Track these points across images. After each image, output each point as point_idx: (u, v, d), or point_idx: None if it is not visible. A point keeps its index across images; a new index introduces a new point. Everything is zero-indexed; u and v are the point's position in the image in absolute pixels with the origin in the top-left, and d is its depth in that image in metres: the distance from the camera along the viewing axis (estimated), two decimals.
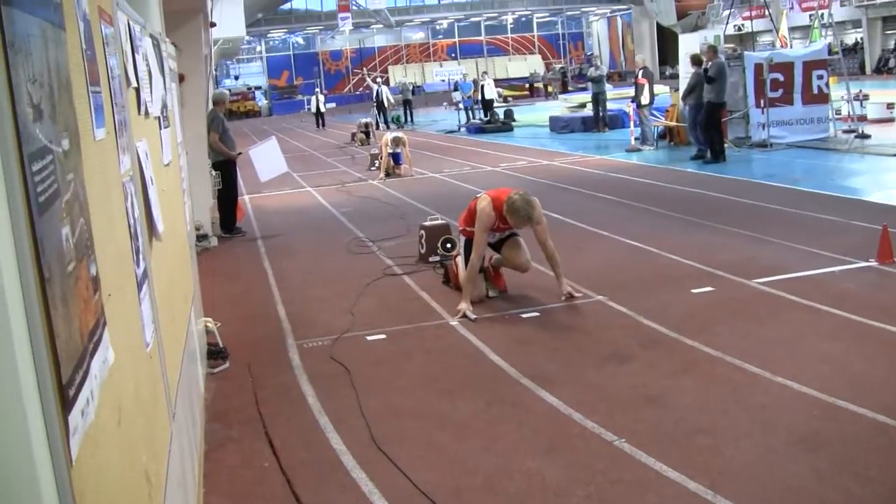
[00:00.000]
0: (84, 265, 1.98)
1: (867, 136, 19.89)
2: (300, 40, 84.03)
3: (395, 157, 20.02)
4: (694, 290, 8.46)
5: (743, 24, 43.90)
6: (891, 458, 4.80)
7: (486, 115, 35.29)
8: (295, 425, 5.83)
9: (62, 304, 1.71)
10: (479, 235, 8.38)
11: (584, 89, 39.55)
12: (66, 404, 1.65)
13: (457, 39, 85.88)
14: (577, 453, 5.12)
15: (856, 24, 60.59)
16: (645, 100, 22.08)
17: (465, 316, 8.01)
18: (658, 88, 24.91)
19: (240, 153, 13.76)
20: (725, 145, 18.82)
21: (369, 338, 7.68)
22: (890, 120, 23.25)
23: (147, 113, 4.04)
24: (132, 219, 3.01)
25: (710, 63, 18.45)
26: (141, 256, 3.13)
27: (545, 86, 63.01)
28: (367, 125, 31.17)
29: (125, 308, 2.65)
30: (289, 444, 5.51)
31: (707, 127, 18.40)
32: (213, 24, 17.94)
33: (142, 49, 4.07)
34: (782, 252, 9.78)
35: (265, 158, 14.29)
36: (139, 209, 3.25)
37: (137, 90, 3.73)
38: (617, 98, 31.97)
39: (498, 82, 52.00)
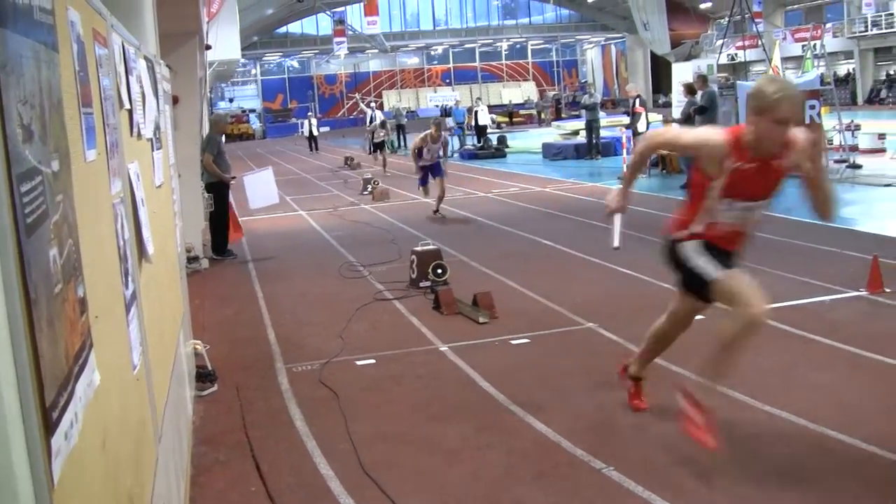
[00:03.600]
0: (71, 287, 1.97)
1: (859, 166, 19.96)
2: (295, 64, 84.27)
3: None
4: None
5: (736, 54, 44.17)
6: (882, 489, 4.80)
7: (479, 141, 35.35)
8: (283, 450, 5.81)
9: (48, 325, 1.70)
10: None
11: (578, 116, 39.65)
12: (50, 427, 1.64)
13: (451, 65, 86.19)
14: (566, 481, 5.10)
15: (848, 55, 61.03)
16: (641, 127, 22.17)
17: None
18: (651, 117, 24.98)
19: (233, 177, 13.75)
20: None
21: (359, 363, 7.66)
22: (881, 150, 23.34)
23: (140, 135, 4.04)
24: (122, 240, 3.01)
25: (700, 92, 18.54)
26: (130, 278, 3.12)
27: (538, 112, 63.23)
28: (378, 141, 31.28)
29: (113, 330, 2.64)
30: (276, 469, 5.48)
31: None
32: (208, 47, 17.97)
33: (136, 71, 4.07)
34: (774, 281, 9.77)
35: (259, 186, 14.34)
36: (129, 231, 3.24)
37: (130, 112, 3.73)
38: (610, 126, 32.05)
39: (492, 108, 52.22)
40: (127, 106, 3.62)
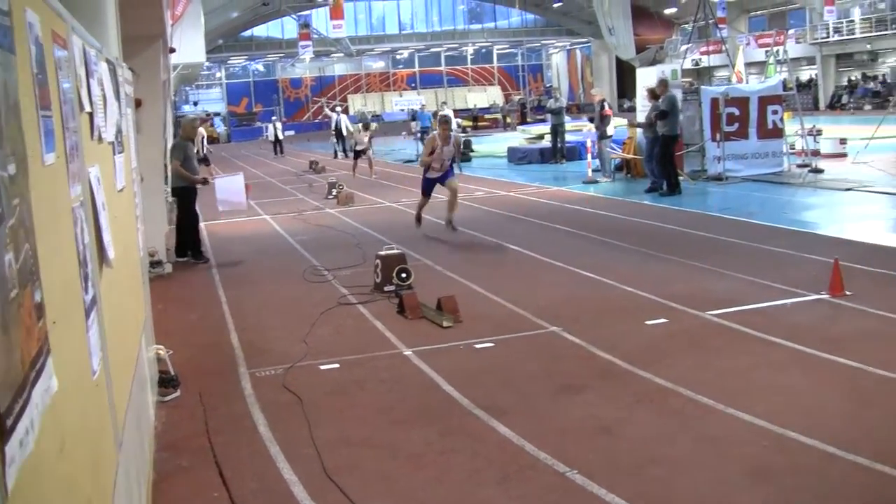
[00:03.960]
0: (28, 292, 1.95)
1: (820, 171, 20.20)
2: (260, 67, 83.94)
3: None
4: (648, 322, 8.51)
5: (700, 59, 44.42)
6: (841, 489, 4.85)
7: None
8: (246, 455, 5.78)
9: (2, 331, 1.68)
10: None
11: (543, 121, 39.78)
12: (4, 434, 1.62)
13: (417, 69, 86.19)
14: (530, 484, 5.11)
15: (810, 60, 61.74)
16: (610, 131, 22.31)
17: None
18: (616, 121, 25.11)
19: (205, 179, 13.64)
20: (681, 178, 19.00)
21: (323, 367, 7.64)
22: (842, 155, 23.61)
23: (101, 138, 4.00)
24: (82, 245, 2.98)
25: (662, 97, 18.66)
26: (90, 283, 3.09)
27: (504, 116, 63.37)
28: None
29: (71, 335, 2.62)
30: (239, 475, 5.45)
31: (662, 159, 18.56)
32: (172, 50, 17.83)
33: (97, 74, 4.04)
34: (736, 284, 9.87)
35: (228, 189, 14.27)
36: (89, 235, 3.22)
37: (91, 115, 3.70)
38: (575, 130, 32.15)
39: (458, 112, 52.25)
40: (87, 109, 3.60)
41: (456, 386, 6.90)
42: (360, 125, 28.91)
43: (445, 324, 8.73)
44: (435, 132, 15.53)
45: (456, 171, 16.08)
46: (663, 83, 19.46)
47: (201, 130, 38.38)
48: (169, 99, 22.15)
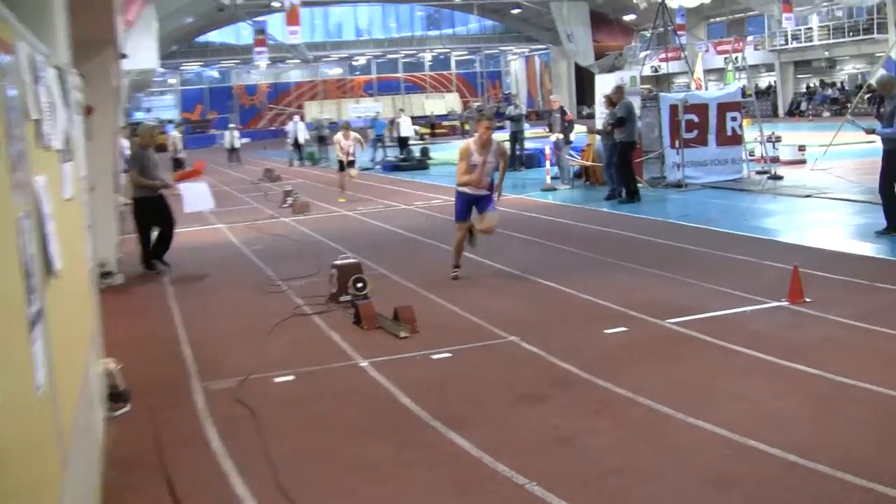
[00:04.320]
0: None
1: (780, 178, 20.38)
2: (215, 74, 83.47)
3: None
4: (607, 331, 8.49)
5: (659, 66, 44.79)
6: (801, 496, 4.83)
7: (401, 153, 35.29)
8: (198, 471, 5.65)
9: None
10: None
11: (502, 128, 39.88)
12: None
13: (374, 76, 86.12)
14: (488, 496, 5.05)
15: (769, 67, 62.54)
16: (572, 136, 22.41)
17: None
18: (576, 128, 25.20)
19: (165, 184, 13.35)
20: (640, 185, 19.08)
21: (277, 379, 7.52)
22: (801, 162, 23.86)
23: (48, 146, 3.89)
24: (26, 256, 2.88)
25: (618, 104, 18.75)
26: (35, 295, 2.98)
27: (462, 124, 63.47)
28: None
29: (14, 349, 2.53)
30: (191, 492, 5.33)
31: (620, 167, 18.63)
32: (123, 56, 17.59)
33: (45, 80, 3.93)
34: (696, 292, 9.89)
35: (194, 194, 14.06)
36: (34, 246, 3.11)
37: (38, 122, 3.59)
38: (534, 137, 32.23)
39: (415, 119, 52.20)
40: (34, 116, 3.49)
41: (413, 397, 6.82)
42: (340, 131, 23.81)
43: (402, 334, 8.65)
44: (469, 140, 11.60)
45: (493, 205, 11.58)
46: (619, 90, 19.55)
47: (175, 133, 38.10)
48: (121, 106, 21.87)
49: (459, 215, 11.51)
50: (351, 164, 22.82)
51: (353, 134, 23.44)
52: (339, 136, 23.08)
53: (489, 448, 5.70)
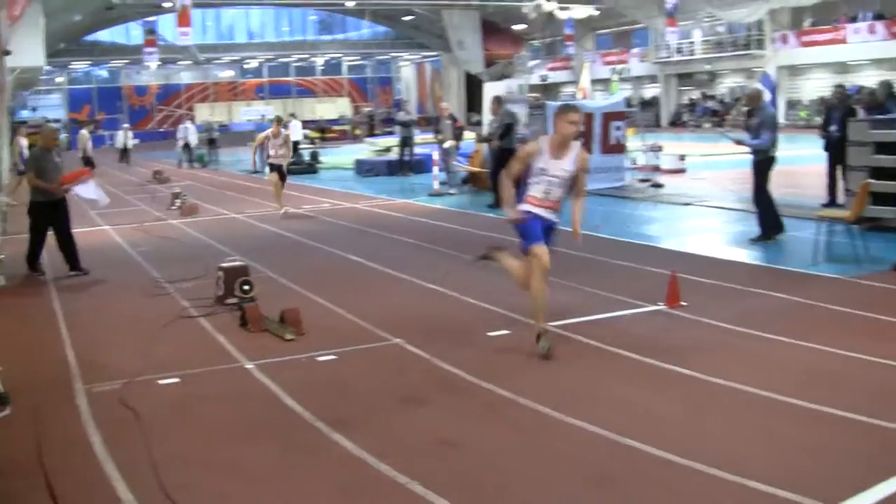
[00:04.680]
0: None
1: (661, 186, 20.97)
2: (104, 73, 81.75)
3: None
4: (491, 334, 8.65)
5: (547, 75, 45.42)
6: (678, 493, 5.04)
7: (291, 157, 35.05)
8: (80, 476, 5.59)
9: None
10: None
11: (391, 133, 39.99)
12: None
13: (266, 79, 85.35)
14: (372, 498, 5.13)
15: (653, 79, 63.64)
16: (461, 143, 22.65)
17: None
18: (466, 135, 25.43)
19: (64, 187, 13.00)
20: None
21: (162, 382, 7.48)
22: (682, 171, 24.53)
23: None
24: None
25: (498, 113, 19.10)
26: None
27: (352, 128, 63.39)
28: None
29: None
30: (72, 497, 5.27)
31: (493, 173, 18.92)
32: (7, 52, 17.18)
33: None
34: (579, 296, 10.13)
35: (88, 192, 13.83)
36: None
37: None
38: (424, 143, 32.40)
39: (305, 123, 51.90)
40: None
41: (298, 399, 6.85)
42: (273, 124, 19.84)
43: (288, 336, 8.68)
44: (539, 139, 8.44)
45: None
46: (497, 100, 19.88)
47: (84, 133, 37.24)
48: (5, 104, 21.38)
49: (533, 234, 7.99)
50: (279, 169, 19.03)
51: (285, 131, 19.81)
52: (267, 132, 19.30)
53: (373, 449, 5.77)
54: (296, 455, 5.82)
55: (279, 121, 20.10)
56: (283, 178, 19.18)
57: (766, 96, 15.78)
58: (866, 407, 6.21)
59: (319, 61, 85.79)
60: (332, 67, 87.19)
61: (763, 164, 13.33)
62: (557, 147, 8.08)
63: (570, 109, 8.18)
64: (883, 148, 13.51)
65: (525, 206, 8.11)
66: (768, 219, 13.39)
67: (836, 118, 16.18)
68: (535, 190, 8.13)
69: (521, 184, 8.24)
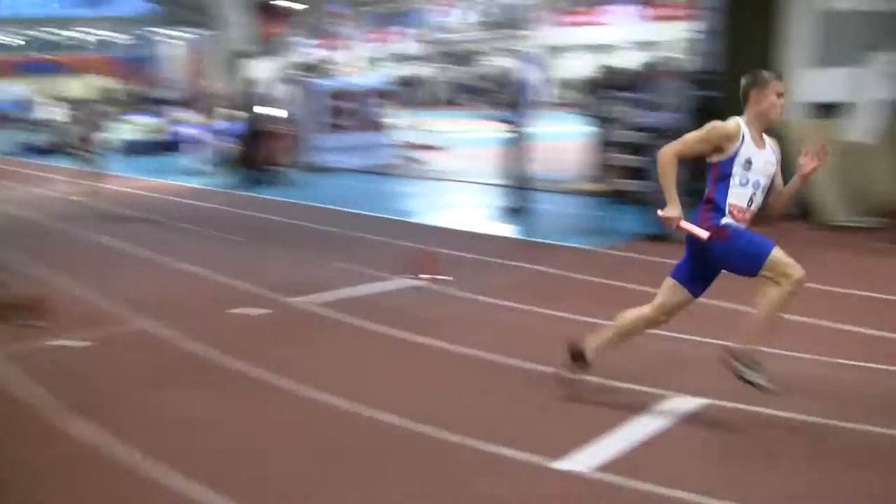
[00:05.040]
0: None
1: (422, 162, 21.29)
2: None
3: None
4: (241, 311, 8.63)
5: (314, 53, 45.24)
6: (429, 464, 5.18)
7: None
8: None
9: None
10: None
11: (156, 113, 38.92)
12: None
13: (27, 56, 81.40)
14: (108, 483, 5.02)
15: (421, 58, 64.38)
16: (222, 122, 22.35)
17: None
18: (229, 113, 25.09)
19: None
20: (283, 169, 19.41)
21: None
22: (443, 148, 25.00)
23: None
24: None
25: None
26: None
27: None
28: None
29: None
30: None
31: (256, 150, 19.02)
32: None
33: None
34: (335, 272, 10.23)
35: None
36: None
37: None
38: (195, 123, 31.67)
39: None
40: None
41: (47, 387, 6.55)
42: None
43: (37, 323, 8.37)
44: (738, 119, 5.54)
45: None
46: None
47: None
48: None
49: (758, 239, 5.44)
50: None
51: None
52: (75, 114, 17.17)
53: (118, 433, 5.62)
54: (42, 446, 5.60)
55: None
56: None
57: (522, 75, 16.32)
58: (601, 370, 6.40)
59: (84, 39, 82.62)
60: (98, 45, 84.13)
61: (517, 140, 13.80)
62: (758, 132, 5.55)
63: (776, 78, 5.57)
64: (631, 126, 14.16)
65: (726, 221, 5.45)
66: (522, 193, 13.91)
67: (599, 97, 16.88)
68: (740, 196, 5.49)
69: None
